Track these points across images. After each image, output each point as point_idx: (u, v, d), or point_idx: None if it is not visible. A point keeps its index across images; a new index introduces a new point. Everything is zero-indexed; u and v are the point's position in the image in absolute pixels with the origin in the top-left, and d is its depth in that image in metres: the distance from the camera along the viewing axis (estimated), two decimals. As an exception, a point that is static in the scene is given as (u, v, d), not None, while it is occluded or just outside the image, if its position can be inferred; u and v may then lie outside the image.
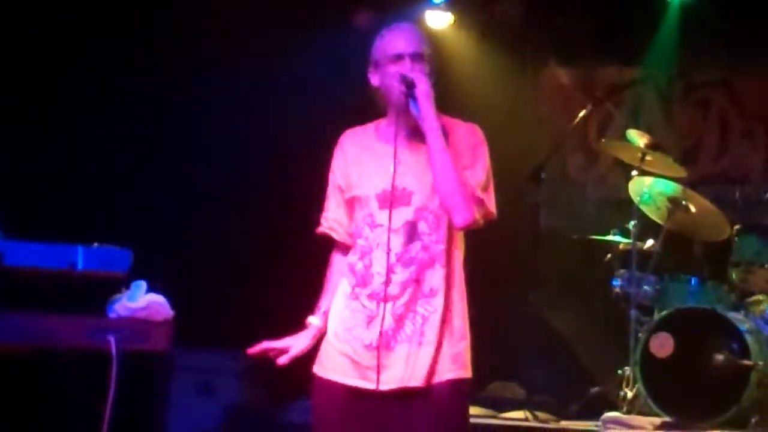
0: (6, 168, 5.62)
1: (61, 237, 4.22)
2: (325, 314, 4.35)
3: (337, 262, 4.41)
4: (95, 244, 4.26)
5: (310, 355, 4.45)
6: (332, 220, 4.40)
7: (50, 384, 4.44)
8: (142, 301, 4.65)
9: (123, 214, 7.62)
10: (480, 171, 4.20)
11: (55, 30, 7.95)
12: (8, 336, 3.97)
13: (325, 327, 4.33)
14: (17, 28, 7.81)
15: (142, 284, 4.68)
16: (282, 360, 4.31)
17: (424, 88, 4.13)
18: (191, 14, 8.21)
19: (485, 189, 4.20)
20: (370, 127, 4.38)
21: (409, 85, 4.14)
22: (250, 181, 8.34)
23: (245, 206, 8.33)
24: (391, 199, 4.17)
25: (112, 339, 4.25)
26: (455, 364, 4.18)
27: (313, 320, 4.36)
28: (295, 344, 4.33)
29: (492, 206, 4.22)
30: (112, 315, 4.52)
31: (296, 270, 7.19)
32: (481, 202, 4.16)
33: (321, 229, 4.43)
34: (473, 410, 6.39)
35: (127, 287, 4.70)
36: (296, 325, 4.45)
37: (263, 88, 8.36)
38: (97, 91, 8.04)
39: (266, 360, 4.41)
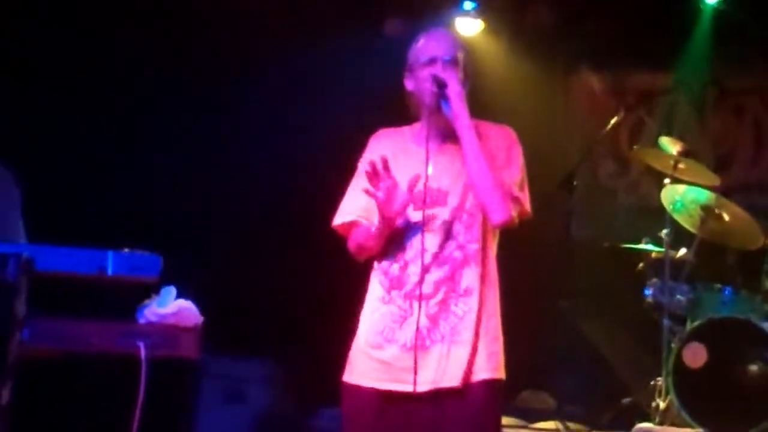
0: (37, 172, 5.61)
1: (92, 242, 4.20)
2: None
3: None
4: (125, 250, 4.24)
5: (338, 364, 4.42)
6: (363, 209, 4.35)
7: (79, 389, 4.42)
8: (171, 306, 4.63)
9: (153, 220, 7.61)
10: (515, 170, 4.21)
11: (81, 37, 7.98)
12: (38, 341, 3.96)
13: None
14: (40, 35, 7.84)
15: (172, 290, 4.67)
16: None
17: (455, 88, 4.15)
18: (221, 22, 8.23)
19: (521, 188, 4.21)
20: (405, 129, 4.39)
21: (441, 85, 4.17)
22: (280, 189, 8.32)
23: (276, 213, 8.32)
24: (425, 200, 4.16)
25: (141, 345, 4.24)
26: (490, 364, 4.18)
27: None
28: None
29: (528, 205, 4.25)
30: (141, 320, 4.51)
31: (326, 279, 7.18)
32: (517, 201, 4.16)
33: (349, 219, 4.37)
34: (503, 420, 6.35)
35: (157, 293, 4.68)
36: (325, 333, 4.41)
37: (295, 96, 8.35)
38: (128, 95, 8.05)
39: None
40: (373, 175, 4.09)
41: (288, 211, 8.30)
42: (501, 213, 4.12)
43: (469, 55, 4.37)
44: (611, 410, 7.52)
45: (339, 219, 4.39)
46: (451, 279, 4.16)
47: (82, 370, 4.32)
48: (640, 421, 6.94)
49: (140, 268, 4.27)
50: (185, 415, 5.05)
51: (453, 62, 4.26)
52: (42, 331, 3.97)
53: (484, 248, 4.21)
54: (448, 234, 4.18)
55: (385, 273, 4.25)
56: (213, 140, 8.34)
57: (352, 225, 4.37)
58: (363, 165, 4.38)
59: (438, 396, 4.12)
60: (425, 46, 4.31)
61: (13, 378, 3.69)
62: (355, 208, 4.37)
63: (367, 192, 4.12)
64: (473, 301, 4.16)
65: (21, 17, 7.79)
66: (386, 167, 4.10)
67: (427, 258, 4.16)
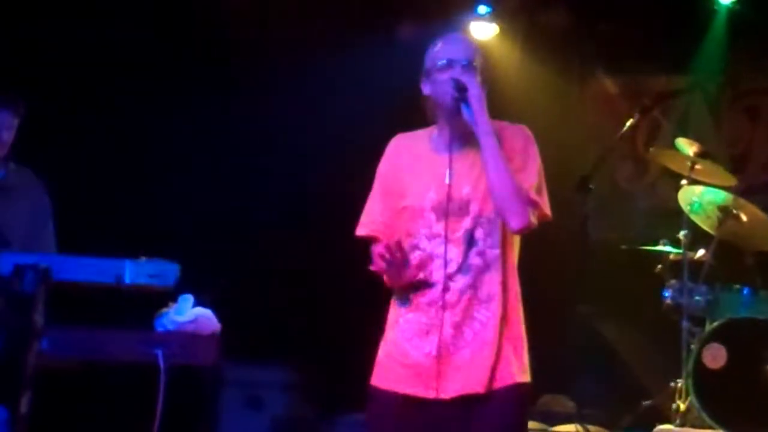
0: (54, 182, 5.65)
1: (109, 251, 4.21)
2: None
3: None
4: (142, 258, 4.25)
5: (357, 370, 4.43)
6: (380, 224, 4.35)
7: (99, 398, 4.43)
8: (189, 314, 4.65)
9: (170, 227, 7.63)
10: (532, 172, 4.19)
11: (96, 48, 8.02)
12: (57, 351, 3.97)
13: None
14: (59, 46, 7.87)
15: (190, 298, 4.68)
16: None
17: (475, 91, 4.13)
18: (241, 29, 8.28)
19: (539, 191, 4.19)
20: (422, 134, 4.37)
21: (461, 89, 4.14)
22: (299, 194, 8.34)
23: (294, 218, 8.33)
24: (448, 210, 4.17)
25: (159, 353, 4.25)
26: (515, 369, 4.18)
27: None
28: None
29: (546, 208, 4.22)
30: (159, 329, 4.53)
31: (345, 286, 7.18)
32: (535, 204, 4.15)
33: (366, 232, 4.39)
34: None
35: (175, 301, 4.70)
36: (344, 340, 4.40)
37: (312, 102, 8.38)
38: (151, 105, 8.08)
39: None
40: (386, 258, 4.09)
41: (306, 217, 8.31)
42: (519, 219, 4.11)
43: (486, 59, 4.36)
44: (631, 413, 7.51)
45: (359, 230, 4.41)
46: (473, 286, 4.16)
47: (101, 380, 4.33)
48: (661, 423, 6.93)
49: (157, 276, 4.28)
50: (205, 422, 5.06)
51: (471, 66, 4.24)
52: (61, 341, 3.98)
53: (504, 253, 4.21)
54: (470, 242, 4.17)
55: (411, 282, 4.25)
56: (230, 147, 8.36)
57: (371, 238, 4.38)
58: (382, 179, 4.39)
59: (463, 402, 4.12)
60: (443, 49, 4.29)
61: (32, 388, 3.70)
62: (371, 220, 4.38)
63: (374, 269, 4.13)
64: (495, 307, 4.16)
65: (43, 27, 7.84)
66: (400, 249, 4.10)
67: (452, 267, 4.17)
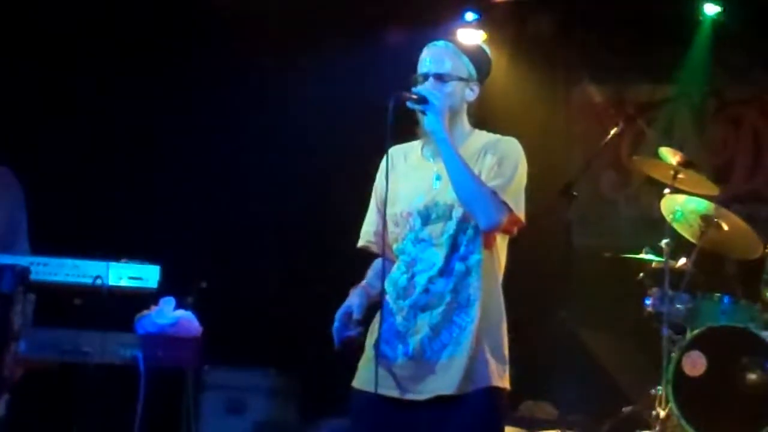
0: (36, 182, 5.63)
1: (90, 253, 4.23)
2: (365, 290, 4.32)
3: (377, 263, 4.43)
4: (124, 260, 4.27)
5: (340, 375, 4.46)
6: (372, 234, 4.43)
7: (78, 400, 4.44)
8: (170, 317, 4.67)
9: (152, 230, 7.65)
10: (508, 178, 4.20)
11: (83, 46, 8.04)
12: (37, 351, 3.99)
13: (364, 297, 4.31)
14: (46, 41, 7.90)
15: (171, 301, 4.70)
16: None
17: (432, 102, 4.17)
18: (237, 33, 8.31)
19: (513, 195, 4.19)
20: (416, 144, 4.42)
21: (421, 101, 4.19)
22: (281, 199, 8.35)
23: (278, 223, 8.35)
24: (432, 214, 4.24)
25: (140, 355, 4.27)
26: (491, 372, 4.20)
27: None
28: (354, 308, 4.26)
29: (520, 213, 4.22)
30: (140, 331, 4.55)
31: (330, 289, 7.20)
32: (503, 204, 4.16)
33: (361, 244, 4.47)
34: (506, 430, 6.36)
35: (156, 303, 4.72)
36: (327, 344, 4.42)
37: (301, 110, 8.41)
38: (134, 106, 8.10)
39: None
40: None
41: (289, 223, 8.33)
42: (487, 217, 4.14)
43: (463, 59, 4.36)
44: (612, 419, 7.53)
45: (359, 243, 4.49)
46: (454, 290, 4.21)
47: (80, 382, 4.34)
48: (641, 430, 6.96)
49: (139, 278, 4.31)
50: (186, 426, 5.07)
51: (440, 77, 4.29)
52: (40, 342, 4.00)
53: (486, 259, 4.24)
54: (453, 247, 4.22)
55: (394, 284, 4.31)
56: (213, 150, 8.39)
57: (367, 249, 4.47)
58: (377, 189, 4.45)
59: (440, 404, 4.16)
60: (421, 60, 4.36)
61: (9, 390, 3.70)
62: (365, 231, 4.48)
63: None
64: (474, 312, 4.20)
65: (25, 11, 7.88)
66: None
67: (434, 271, 4.22)
